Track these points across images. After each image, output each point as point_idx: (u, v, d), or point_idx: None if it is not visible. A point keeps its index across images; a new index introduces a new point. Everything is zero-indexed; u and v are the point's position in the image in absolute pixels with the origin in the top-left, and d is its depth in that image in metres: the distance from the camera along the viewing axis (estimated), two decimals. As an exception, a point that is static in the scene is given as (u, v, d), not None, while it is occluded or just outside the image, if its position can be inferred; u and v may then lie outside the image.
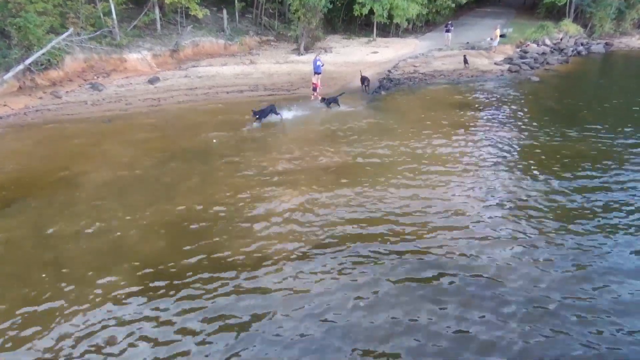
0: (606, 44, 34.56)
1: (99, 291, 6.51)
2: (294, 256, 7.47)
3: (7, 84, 15.29)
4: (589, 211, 9.16)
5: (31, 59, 15.39)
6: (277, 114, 14.56)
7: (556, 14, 37.26)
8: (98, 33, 18.42)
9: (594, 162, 11.78)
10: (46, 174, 10.41)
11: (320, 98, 16.42)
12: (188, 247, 7.64)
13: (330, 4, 25.63)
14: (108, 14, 19.14)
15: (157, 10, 21.38)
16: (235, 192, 9.67)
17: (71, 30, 16.93)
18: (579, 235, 8.30)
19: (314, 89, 17.36)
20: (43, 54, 15.91)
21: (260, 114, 14.02)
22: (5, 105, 14.72)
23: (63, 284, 6.66)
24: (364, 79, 18.59)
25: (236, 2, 25.22)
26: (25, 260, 7.24)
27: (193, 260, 7.32)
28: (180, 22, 22.80)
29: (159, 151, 11.88)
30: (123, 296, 6.44)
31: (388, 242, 7.90)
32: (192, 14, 21.88)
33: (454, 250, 7.68)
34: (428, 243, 7.92)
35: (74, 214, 8.65)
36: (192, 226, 8.33)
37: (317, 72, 17.84)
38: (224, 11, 24.41)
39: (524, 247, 7.87)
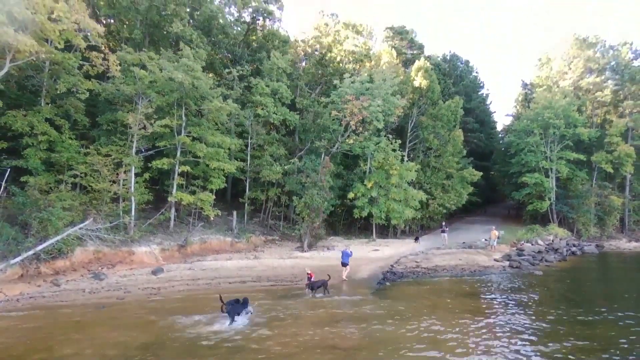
0: (597, 245, 35.99)
1: None
2: None
3: (10, 270, 15.25)
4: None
5: (44, 245, 15.83)
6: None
7: (541, 220, 40.22)
8: (114, 223, 19.50)
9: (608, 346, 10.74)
10: (23, 356, 9.32)
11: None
12: None
13: (332, 207, 28.06)
14: (127, 212, 20.74)
15: (172, 211, 23.24)
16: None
17: (90, 220, 17.97)
18: None
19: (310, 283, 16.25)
20: (57, 242, 16.41)
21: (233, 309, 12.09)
22: (0, 292, 14.27)
23: None
24: (315, 284, 16.11)
25: (246, 205, 27.66)
26: None
27: None
28: (192, 222, 24.45)
29: (148, 337, 10.89)
30: None
31: None
32: (205, 214, 23.67)
33: None
34: None
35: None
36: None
37: (345, 264, 18.69)
38: (234, 213, 26.51)
39: None
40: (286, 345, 10.47)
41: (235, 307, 12.08)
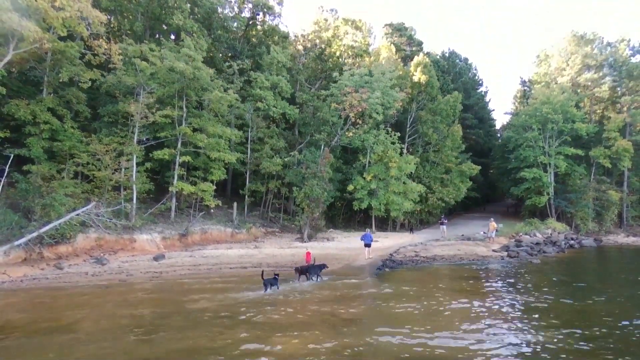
0: (595, 239, 36.16)
1: None
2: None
3: (14, 253, 15.44)
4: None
5: (48, 227, 16.04)
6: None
7: (539, 215, 40.35)
8: (116, 208, 19.72)
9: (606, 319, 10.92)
10: (28, 325, 9.56)
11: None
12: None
13: (332, 199, 28.23)
14: (129, 200, 20.93)
15: (173, 201, 23.43)
16: (229, 343, 8.61)
17: (93, 204, 18.17)
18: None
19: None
20: (59, 226, 16.61)
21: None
22: (4, 274, 14.46)
23: None
24: (303, 269, 15.74)
25: (246, 197, 27.85)
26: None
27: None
28: (192, 213, 24.60)
29: (150, 309, 11.12)
30: None
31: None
32: (205, 204, 23.86)
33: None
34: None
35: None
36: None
37: (368, 244, 20.47)
38: (234, 205, 26.68)
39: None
40: (289, 315, 10.72)
41: (313, 267, 15.65)
